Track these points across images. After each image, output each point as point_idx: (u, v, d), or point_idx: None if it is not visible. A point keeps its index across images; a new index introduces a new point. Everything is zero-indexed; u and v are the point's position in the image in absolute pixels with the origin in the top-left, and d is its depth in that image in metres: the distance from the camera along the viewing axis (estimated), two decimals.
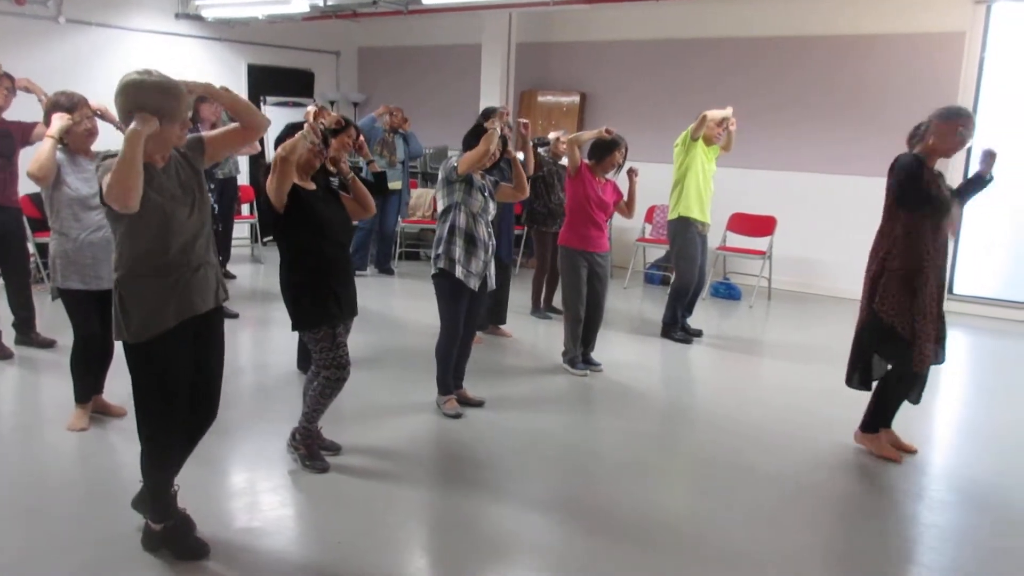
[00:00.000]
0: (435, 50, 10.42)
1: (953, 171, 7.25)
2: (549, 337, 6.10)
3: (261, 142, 7.58)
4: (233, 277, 7.74)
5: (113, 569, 2.86)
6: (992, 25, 7.23)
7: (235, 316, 6.25)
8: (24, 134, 4.99)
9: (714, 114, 5.90)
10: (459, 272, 4.23)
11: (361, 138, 4.12)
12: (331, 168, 3.71)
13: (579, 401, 4.91)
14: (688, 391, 5.40)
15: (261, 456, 3.88)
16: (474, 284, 4.31)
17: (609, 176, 5.31)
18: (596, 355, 5.44)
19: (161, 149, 2.67)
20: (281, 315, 3.94)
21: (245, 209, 9.03)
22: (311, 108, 3.94)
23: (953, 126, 3.72)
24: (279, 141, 3.61)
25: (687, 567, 3.04)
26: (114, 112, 2.70)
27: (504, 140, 4.34)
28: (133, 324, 2.69)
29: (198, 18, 8.94)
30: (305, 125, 3.47)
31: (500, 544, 3.19)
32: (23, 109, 5.11)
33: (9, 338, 5.32)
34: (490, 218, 4.39)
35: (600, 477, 3.84)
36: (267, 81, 9.92)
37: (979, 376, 6.07)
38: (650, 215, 8.61)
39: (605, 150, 5.16)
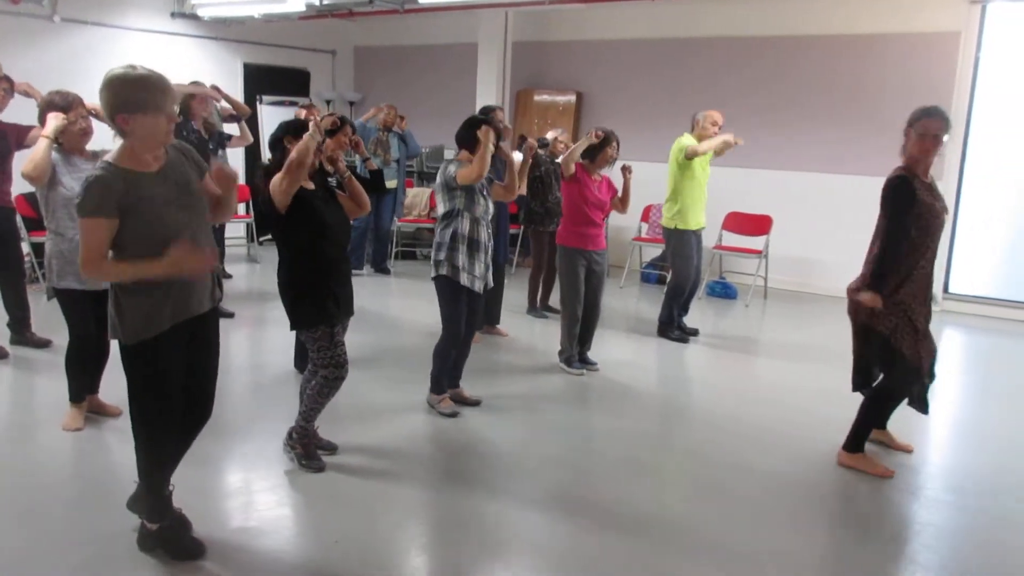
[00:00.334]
0: (431, 49, 10.42)
1: (949, 168, 7.28)
2: (546, 336, 6.10)
3: (256, 138, 7.60)
4: (229, 276, 7.73)
5: (109, 569, 2.86)
6: (987, 25, 7.25)
7: (231, 316, 6.24)
8: (19, 136, 4.98)
9: (712, 144, 5.86)
10: (464, 279, 4.24)
11: (357, 136, 4.12)
12: (328, 167, 3.70)
13: (576, 400, 4.91)
14: (685, 390, 5.40)
15: (258, 456, 3.88)
16: (479, 287, 4.33)
17: (604, 171, 5.30)
18: (592, 354, 5.45)
19: (151, 147, 2.65)
20: (278, 315, 3.94)
21: (241, 209, 9.02)
22: (300, 109, 3.94)
23: (920, 127, 3.67)
24: (275, 141, 3.61)
25: (684, 565, 3.05)
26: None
27: (498, 135, 4.32)
28: (128, 325, 2.68)
29: (194, 17, 8.93)
30: (311, 125, 3.46)
31: (497, 543, 3.19)
32: (21, 113, 5.08)
33: (4, 338, 5.31)
34: (489, 219, 4.40)
35: (597, 476, 3.84)
36: (263, 80, 9.90)
37: (974, 375, 6.08)
38: (646, 214, 8.61)
39: (597, 148, 5.17)
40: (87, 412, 4.16)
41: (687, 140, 5.95)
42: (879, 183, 3.84)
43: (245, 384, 4.95)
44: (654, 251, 8.63)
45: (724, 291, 7.97)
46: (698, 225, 6.08)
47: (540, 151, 6.58)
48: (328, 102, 10.55)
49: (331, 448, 3.87)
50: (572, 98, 9.38)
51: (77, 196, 2.58)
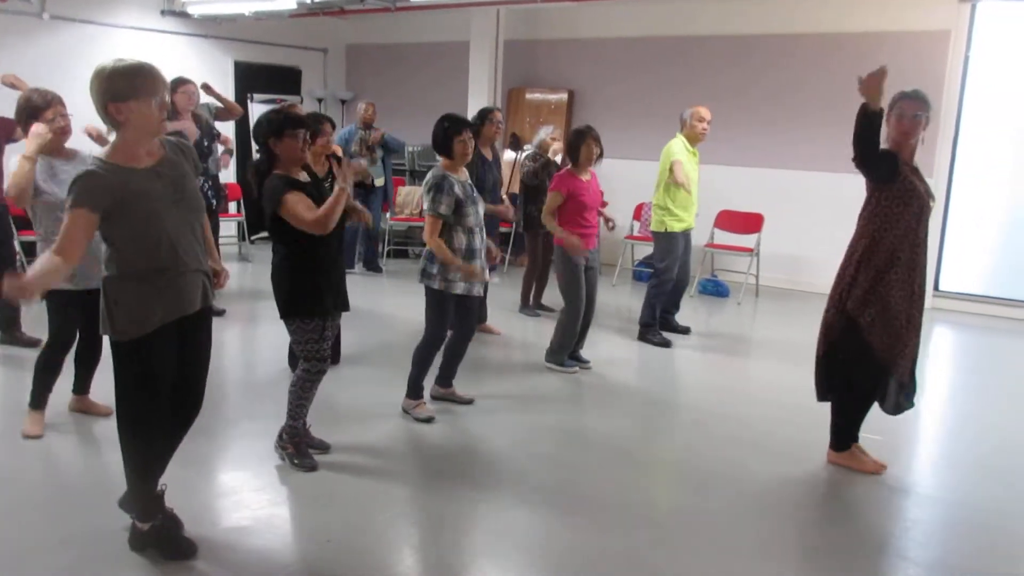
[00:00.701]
0: (423, 47, 10.40)
1: (939, 166, 7.31)
2: (538, 335, 6.10)
3: (246, 130, 7.50)
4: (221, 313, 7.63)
5: (100, 569, 2.84)
6: (977, 24, 7.29)
7: (221, 313, 6.21)
8: (7, 130, 4.92)
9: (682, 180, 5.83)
10: (460, 289, 4.22)
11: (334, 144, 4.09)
12: (332, 164, 3.69)
13: (569, 398, 4.92)
14: (677, 388, 5.41)
15: (249, 455, 3.87)
16: (477, 291, 4.32)
17: (593, 168, 5.26)
18: (585, 352, 5.45)
19: (144, 136, 2.64)
20: (270, 313, 3.91)
21: (232, 207, 8.98)
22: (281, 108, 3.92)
23: (898, 109, 3.67)
24: (258, 132, 3.54)
25: (676, 562, 3.05)
26: (102, 128, 2.67)
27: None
28: (119, 322, 2.67)
29: (184, 15, 8.89)
30: (339, 172, 3.43)
31: (490, 541, 3.19)
32: (5, 105, 5.04)
33: None
34: (482, 222, 4.36)
35: (590, 474, 3.84)
36: (254, 78, 9.87)
37: (965, 373, 6.11)
38: (638, 212, 8.61)
39: (574, 148, 5.14)
40: (78, 412, 4.13)
41: (676, 148, 5.91)
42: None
43: (237, 383, 4.94)
44: (646, 249, 8.60)
45: (716, 289, 7.99)
46: (686, 227, 6.08)
47: (530, 163, 6.59)
48: (320, 100, 10.52)
49: (323, 447, 3.86)
50: (564, 96, 9.38)
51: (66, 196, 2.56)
